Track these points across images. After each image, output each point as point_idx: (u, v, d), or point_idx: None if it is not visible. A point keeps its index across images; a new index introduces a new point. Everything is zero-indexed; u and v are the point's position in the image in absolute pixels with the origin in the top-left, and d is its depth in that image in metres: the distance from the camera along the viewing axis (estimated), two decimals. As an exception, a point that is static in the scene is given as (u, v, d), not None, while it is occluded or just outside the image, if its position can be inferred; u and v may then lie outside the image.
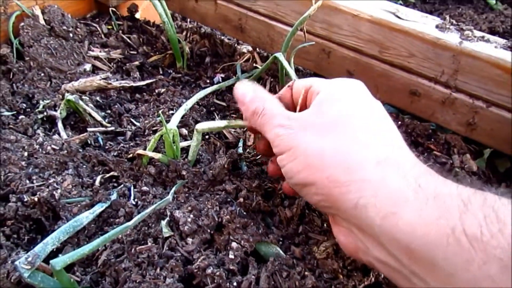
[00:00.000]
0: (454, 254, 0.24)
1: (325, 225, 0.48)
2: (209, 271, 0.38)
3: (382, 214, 0.28)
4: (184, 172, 0.48)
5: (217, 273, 0.37)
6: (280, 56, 0.55)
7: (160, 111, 0.60)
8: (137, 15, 0.83)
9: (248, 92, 0.40)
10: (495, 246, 0.23)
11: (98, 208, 0.45)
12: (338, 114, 0.33)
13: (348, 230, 0.33)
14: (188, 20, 0.92)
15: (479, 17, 1.02)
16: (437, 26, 0.54)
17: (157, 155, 0.49)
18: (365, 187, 0.29)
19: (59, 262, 0.36)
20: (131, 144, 0.55)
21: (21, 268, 0.37)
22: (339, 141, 0.31)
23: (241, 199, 0.45)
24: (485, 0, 1.15)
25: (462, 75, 0.53)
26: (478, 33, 0.53)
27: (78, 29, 0.73)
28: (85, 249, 0.37)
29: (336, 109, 0.34)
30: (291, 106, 0.42)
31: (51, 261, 0.36)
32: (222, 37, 0.82)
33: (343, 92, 0.35)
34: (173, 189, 0.45)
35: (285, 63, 0.54)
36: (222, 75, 0.72)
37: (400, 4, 1.18)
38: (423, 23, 0.54)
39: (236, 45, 0.80)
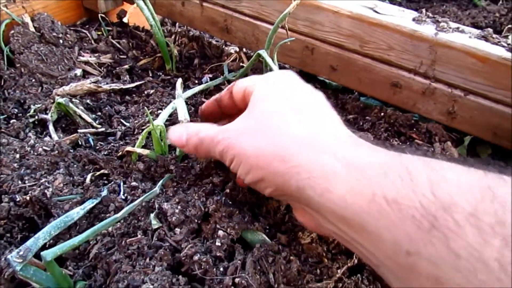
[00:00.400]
0: (377, 218, 0.26)
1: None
2: (196, 258, 0.39)
3: (319, 192, 0.31)
4: (172, 167, 0.50)
5: (204, 260, 0.39)
6: (263, 53, 0.57)
7: (148, 111, 0.61)
8: (124, 20, 0.85)
9: (181, 134, 0.43)
10: (409, 206, 0.25)
11: (88, 204, 0.46)
12: (266, 111, 0.36)
13: (302, 210, 0.36)
14: (177, 24, 0.94)
15: (462, 13, 1.05)
16: (413, 19, 0.56)
17: (145, 151, 0.50)
18: (300, 171, 0.32)
19: (50, 253, 0.37)
20: (121, 143, 0.57)
21: (13, 262, 0.38)
22: (272, 137, 0.34)
23: (227, 190, 0.46)
24: (468, -3, 1.18)
25: (439, 66, 0.54)
26: (453, 25, 0.55)
27: (68, 36, 0.75)
28: (75, 240, 0.38)
29: (264, 108, 0.37)
30: (231, 108, 0.46)
31: (41, 253, 0.37)
32: (210, 39, 0.84)
33: (271, 89, 0.39)
34: (161, 182, 0.46)
35: (268, 59, 0.56)
36: (210, 75, 0.74)
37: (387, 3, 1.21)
38: (400, 17, 0.56)
39: (223, 46, 0.82)
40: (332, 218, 0.30)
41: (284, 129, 0.34)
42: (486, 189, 0.24)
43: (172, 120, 0.60)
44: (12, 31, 0.70)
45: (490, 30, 0.53)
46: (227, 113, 0.48)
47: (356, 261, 0.41)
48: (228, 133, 0.38)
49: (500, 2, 1.10)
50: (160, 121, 0.52)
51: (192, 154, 0.47)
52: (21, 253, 0.38)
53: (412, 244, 0.25)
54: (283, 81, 0.40)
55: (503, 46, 0.51)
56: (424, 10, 0.57)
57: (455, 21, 0.98)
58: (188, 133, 0.42)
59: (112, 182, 0.50)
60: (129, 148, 0.51)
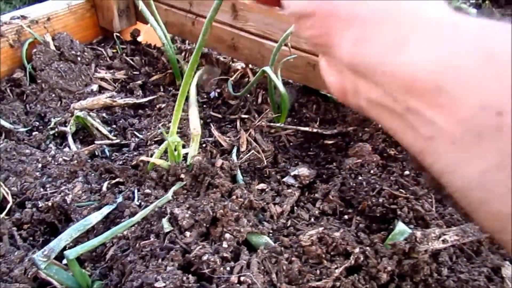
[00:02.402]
0: (463, 76, 0.22)
1: (312, 219, 0.52)
2: (205, 258, 0.42)
3: (384, 50, 0.25)
4: (183, 176, 0.53)
5: (212, 260, 0.42)
6: (268, 69, 0.61)
7: (160, 124, 0.66)
8: (139, 39, 0.90)
9: None
10: (503, 61, 0.21)
11: (106, 210, 0.50)
12: None
13: (339, 71, 0.30)
14: (187, 41, 0.99)
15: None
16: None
17: (159, 161, 0.54)
18: (368, 22, 0.26)
19: (72, 252, 0.40)
20: (135, 153, 0.61)
21: (38, 261, 0.42)
22: None
23: (234, 197, 0.50)
24: (466, 13, 1.21)
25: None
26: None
27: (86, 53, 0.80)
28: (95, 241, 0.42)
29: None
30: None
31: (65, 252, 0.40)
32: (218, 56, 0.88)
33: None
34: (173, 188, 0.50)
35: (273, 76, 0.60)
36: (218, 90, 0.78)
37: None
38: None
39: (230, 62, 0.86)
40: (392, 82, 0.25)
41: None
42: None
43: (183, 132, 0.64)
44: (35, 50, 0.75)
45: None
46: None
47: (353, 262, 0.44)
48: None
49: (497, 18, 1.14)
50: (175, 136, 0.55)
51: None
52: (45, 252, 0.42)
53: (505, 100, 0.21)
54: None
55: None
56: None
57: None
58: None
59: (127, 190, 0.54)
60: (144, 157, 0.55)
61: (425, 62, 0.24)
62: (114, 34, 0.86)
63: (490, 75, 0.22)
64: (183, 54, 0.89)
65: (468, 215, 0.24)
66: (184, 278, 0.41)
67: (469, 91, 0.22)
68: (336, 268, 0.44)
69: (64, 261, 0.47)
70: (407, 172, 0.57)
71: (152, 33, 0.91)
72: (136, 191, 0.53)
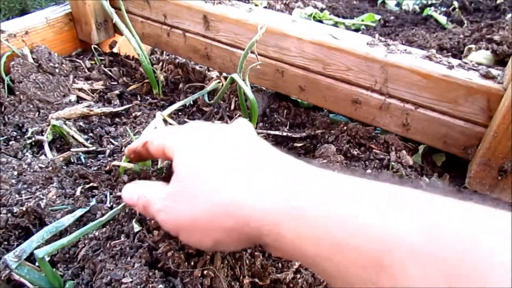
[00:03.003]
0: (328, 260, 0.28)
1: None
2: (170, 254, 0.44)
3: (273, 238, 0.31)
4: (153, 179, 0.56)
5: (177, 255, 0.44)
6: (236, 76, 0.64)
7: (135, 131, 0.68)
8: (115, 49, 0.93)
9: (132, 193, 0.43)
10: (356, 249, 0.26)
11: (78, 212, 0.52)
12: (197, 174, 0.35)
13: (273, 250, 0.37)
14: (164, 52, 1.02)
15: (430, 35, 1.13)
16: (367, 43, 0.63)
17: (130, 165, 0.56)
18: (249, 221, 0.31)
19: (42, 251, 0.42)
20: (109, 159, 0.63)
21: (9, 261, 0.43)
22: (210, 197, 0.34)
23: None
24: (437, 20, 1.27)
25: (391, 83, 0.61)
26: (401, 47, 0.62)
27: (64, 65, 0.82)
28: (64, 240, 0.44)
29: (193, 171, 0.36)
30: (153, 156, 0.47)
31: (35, 251, 0.42)
32: (194, 66, 0.91)
33: (194, 148, 0.38)
34: (142, 191, 0.52)
35: (241, 82, 0.63)
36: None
37: (363, 29, 1.30)
38: (356, 41, 0.63)
39: (206, 71, 0.89)
40: (293, 257, 0.33)
41: (216, 187, 0.33)
42: (431, 225, 0.24)
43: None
44: (13, 62, 0.77)
45: (433, 50, 0.60)
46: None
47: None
48: (165, 202, 0.37)
49: (465, 24, 1.19)
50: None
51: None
52: (16, 253, 0.44)
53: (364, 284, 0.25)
54: (202, 135, 0.39)
55: (444, 65, 0.58)
56: (377, 35, 0.65)
57: (422, 43, 1.06)
58: (137, 193, 0.41)
59: (100, 194, 0.56)
60: (115, 162, 0.57)
61: (300, 248, 0.30)
62: (93, 46, 0.89)
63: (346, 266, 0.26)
64: (160, 64, 0.92)
65: None
66: (151, 273, 0.43)
67: (335, 272, 0.28)
68: (297, 261, 0.46)
69: (38, 263, 0.49)
70: (369, 171, 0.60)
71: (128, 44, 0.94)
72: (108, 194, 0.55)
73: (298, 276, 0.45)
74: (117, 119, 0.76)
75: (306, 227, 0.28)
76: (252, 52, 0.64)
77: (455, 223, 0.23)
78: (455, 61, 0.58)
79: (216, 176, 0.34)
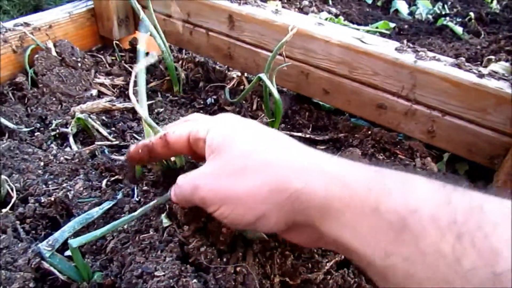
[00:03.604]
0: (365, 227, 0.31)
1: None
2: (202, 249, 0.44)
3: (321, 212, 0.33)
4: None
5: (209, 251, 0.44)
6: (263, 76, 0.64)
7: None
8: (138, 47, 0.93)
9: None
10: (387, 211, 0.29)
11: (106, 205, 0.52)
12: (242, 151, 0.37)
13: (298, 231, 0.38)
14: (184, 51, 1.02)
15: (447, 45, 1.13)
16: (396, 49, 0.63)
17: (157, 167, 0.56)
18: (300, 195, 0.34)
19: (76, 241, 0.42)
20: (134, 154, 0.63)
21: (43, 250, 0.44)
22: (259, 172, 0.35)
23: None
24: (453, 30, 1.27)
25: (419, 89, 0.61)
26: (430, 54, 0.62)
27: (86, 60, 0.82)
28: (97, 232, 0.44)
29: (238, 148, 0.37)
30: (165, 156, 0.48)
31: (69, 241, 0.42)
32: (214, 65, 0.91)
33: (232, 129, 0.39)
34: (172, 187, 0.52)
35: (268, 82, 0.63)
36: (214, 97, 0.81)
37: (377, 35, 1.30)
38: (384, 46, 0.64)
39: (226, 71, 0.89)
40: (332, 231, 0.33)
41: (268, 161, 0.35)
42: (444, 196, 0.28)
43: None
44: (37, 55, 0.77)
45: (463, 58, 0.60)
46: (158, 159, 0.49)
47: (343, 257, 0.47)
48: (207, 180, 0.38)
49: (482, 35, 1.19)
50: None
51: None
52: (50, 242, 0.44)
53: (390, 245, 0.28)
54: (235, 121, 0.41)
55: (474, 73, 0.58)
56: (405, 41, 0.65)
57: (440, 52, 1.07)
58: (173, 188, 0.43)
59: (126, 187, 0.56)
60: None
61: (345, 218, 0.33)
62: (114, 42, 0.89)
63: (377, 226, 0.30)
64: (180, 62, 0.92)
65: None
66: (183, 268, 0.43)
67: (366, 237, 0.31)
68: (327, 262, 0.46)
69: (66, 253, 0.49)
70: (394, 175, 0.60)
71: (150, 42, 0.94)
72: (135, 188, 0.55)
73: (329, 277, 0.45)
74: (138, 115, 0.76)
75: (352, 198, 0.31)
76: (280, 54, 0.65)
77: (462, 196, 0.28)
78: (485, 70, 0.59)
79: (266, 152, 0.36)
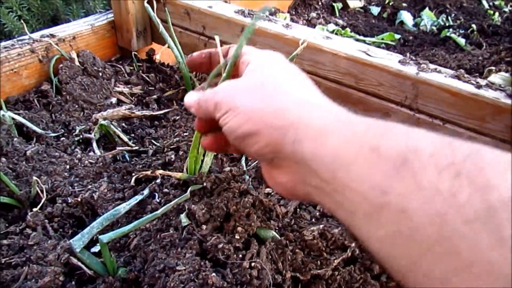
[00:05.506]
0: (361, 165, 0.30)
1: (313, 219, 0.59)
2: (220, 246, 0.48)
3: (314, 145, 0.33)
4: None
5: (227, 248, 0.48)
6: (274, 86, 0.68)
7: (175, 134, 0.72)
8: (156, 57, 0.98)
9: (193, 98, 0.46)
10: (387, 150, 0.29)
11: (133, 201, 0.55)
12: (265, 75, 0.40)
13: (287, 168, 0.37)
14: (197, 62, 1.07)
15: (450, 56, 1.17)
16: (399, 61, 0.67)
17: (178, 175, 0.60)
18: (297, 126, 0.34)
19: (106, 237, 0.46)
20: (153, 159, 0.67)
21: (74, 245, 0.48)
22: (270, 95, 0.37)
23: (245, 197, 0.56)
24: (456, 42, 1.31)
25: (421, 99, 0.65)
26: (432, 66, 0.66)
27: (106, 69, 0.87)
28: (125, 229, 0.48)
29: (263, 72, 0.40)
30: (204, 67, 0.52)
31: (99, 236, 0.46)
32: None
33: (268, 59, 0.43)
34: (190, 188, 0.56)
35: (279, 92, 0.67)
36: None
37: (382, 47, 1.34)
38: (388, 59, 0.68)
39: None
40: (322, 170, 0.33)
41: (281, 89, 0.37)
42: (444, 140, 0.29)
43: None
44: (61, 65, 0.82)
45: (462, 70, 0.64)
46: (214, 66, 0.50)
47: (350, 254, 0.50)
48: (226, 89, 0.40)
49: (484, 47, 1.23)
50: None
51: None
52: (81, 238, 0.48)
53: (387, 182, 0.28)
54: (276, 56, 0.44)
55: (472, 84, 0.62)
56: (408, 54, 0.69)
57: (442, 63, 1.11)
58: (198, 95, 0.45)
59: (148, 190, 0.60)
60: (161, 171, 0.61)
61: (340, 154, 0.32)
62: (132, 53, 0.94)
63: (375, 163, 0.29)
64: (194, 72, 0.97)
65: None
66: (202, 263, 0.47)
67: (362, 175, 0.30)
68: (335, 259, 0.50)
69: (92, 250, 0.53)
70: (398, 180, 0.63)
71: (165, 52, 0.99)
72: (157, 189, 0.59)
73: (336, 273, 0.49)
74: (156, 122, 0.80)
75: (353, 136, 0.32)
76: (291, 65, 0.69)
77: (461, 143, 0.28)
78: (482, 81, 0.62)
79: (285, 85, 0.38)
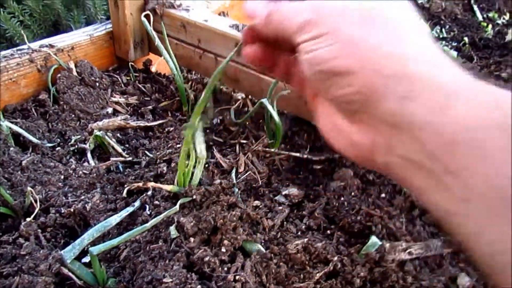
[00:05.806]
0: (489, 135, 0.25)
1: (299, 232, 0.60)
2: (206, 259, 0.50)
3: (432, 111, 0.27)
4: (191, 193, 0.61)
5: (212, 261, 0.50)
6: (265, 101, 0.70)
7: (168, 145, 0.74)
8: (152, 68, 1.00)
9: (261, 7, 0.37)
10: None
11: (124, 212, 0.57)
12: (375, 7, 0.31)
13: (372, 128, 0.30)
14: (193, 72, 1.09)
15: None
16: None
17: (169, 187, 0.61)
18: (415, 81, 0.27)
19: (96, 249, 0.48)
20: (146, 170, 0.69)
21: (65, 256, 0.49)
22: (391, 35, 0.29)
23: (232, 210, 0.58)
24: (449, 56, 1.33)
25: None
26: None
27: (103, 79, 0.89)
28: (114, 241, 0.50)
29: (382, 8, 0.31)
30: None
31: (90, 248, 0.48)
32: (221, 87, 0.98)
33: None
34: (179, 201, 0.58)
35: (269, 107, 0.69)
36: (220, 117, 0.87)
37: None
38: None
39: (232, 93, 0.95)
40: (434, 144, 0.26)
41: (402, 30, 0.30)
42: None
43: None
44: (59, 75, 0.84)
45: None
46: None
47: (332, 268, 0.52)
48: (329, 4, 0.31)
49: (475, 60, 1.25)
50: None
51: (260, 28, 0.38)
52: (72, 249, 0.50)
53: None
54: None
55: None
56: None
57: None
58: (270, 5, 0.36)
59: (139, 201, 0.62)
60: (152, 184, 0.62)
61: (468, 126, 0.25)
62: (129, 63, 0.96)
63: None
64: (189, 83, 0.99)
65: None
66: (188, 275, 0.49)
67: (503, 159, 0.24)
68: (318, 273, 0.51)
69: (83, 260, 0.54)
70: (383, 195, 0.65)
71: (161, 63, 1.01)
72: (148, 201, 0.61)
73: (318, 286, 0.51)
74: (150, 133, 0.82)
75: (480, 104, 0.26)
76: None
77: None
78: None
79: (403, 27, 0.31)
